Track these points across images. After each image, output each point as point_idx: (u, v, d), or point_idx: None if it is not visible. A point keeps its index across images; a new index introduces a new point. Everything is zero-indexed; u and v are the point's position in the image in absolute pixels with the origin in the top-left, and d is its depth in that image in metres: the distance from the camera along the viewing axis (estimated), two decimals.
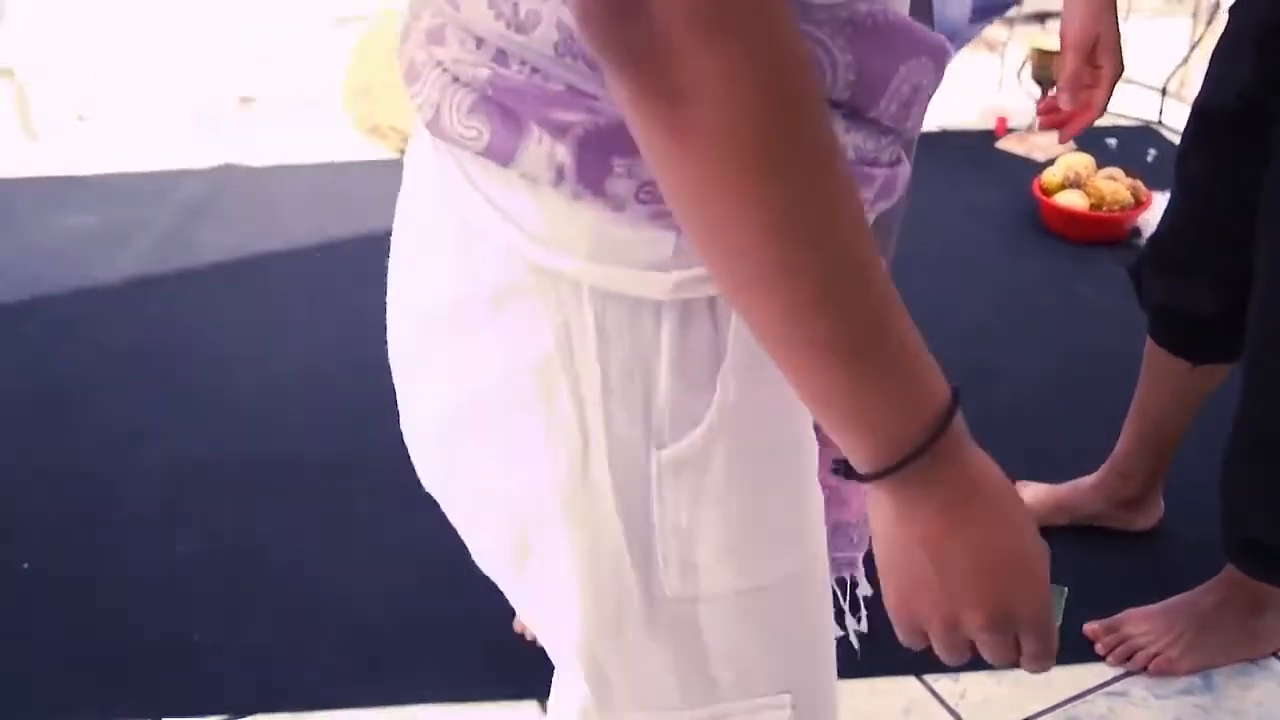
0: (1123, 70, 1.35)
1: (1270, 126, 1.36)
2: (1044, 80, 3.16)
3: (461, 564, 1.78)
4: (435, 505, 2.08)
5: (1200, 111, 1.50)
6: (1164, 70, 3.42)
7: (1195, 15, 4.52)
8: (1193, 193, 1.53)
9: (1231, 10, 1.46)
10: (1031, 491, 1.86)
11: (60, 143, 3.54)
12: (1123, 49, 1.35)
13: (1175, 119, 3.44)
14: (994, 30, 3.55)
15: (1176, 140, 3.28)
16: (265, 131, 3.54)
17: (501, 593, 1.79)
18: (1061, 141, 1.42)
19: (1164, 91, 3.46)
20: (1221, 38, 1.47)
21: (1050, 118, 1.40)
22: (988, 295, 2.57)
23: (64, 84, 3.62)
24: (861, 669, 1.62)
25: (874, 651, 1.65)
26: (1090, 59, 1.34)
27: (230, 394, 2.23)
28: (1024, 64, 3.22)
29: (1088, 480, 1.82)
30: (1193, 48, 3.61)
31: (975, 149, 3.31)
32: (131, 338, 2.42)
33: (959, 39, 3.44)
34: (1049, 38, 3.31)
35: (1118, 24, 1.34)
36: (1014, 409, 2.16)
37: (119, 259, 2.74)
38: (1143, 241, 2.70)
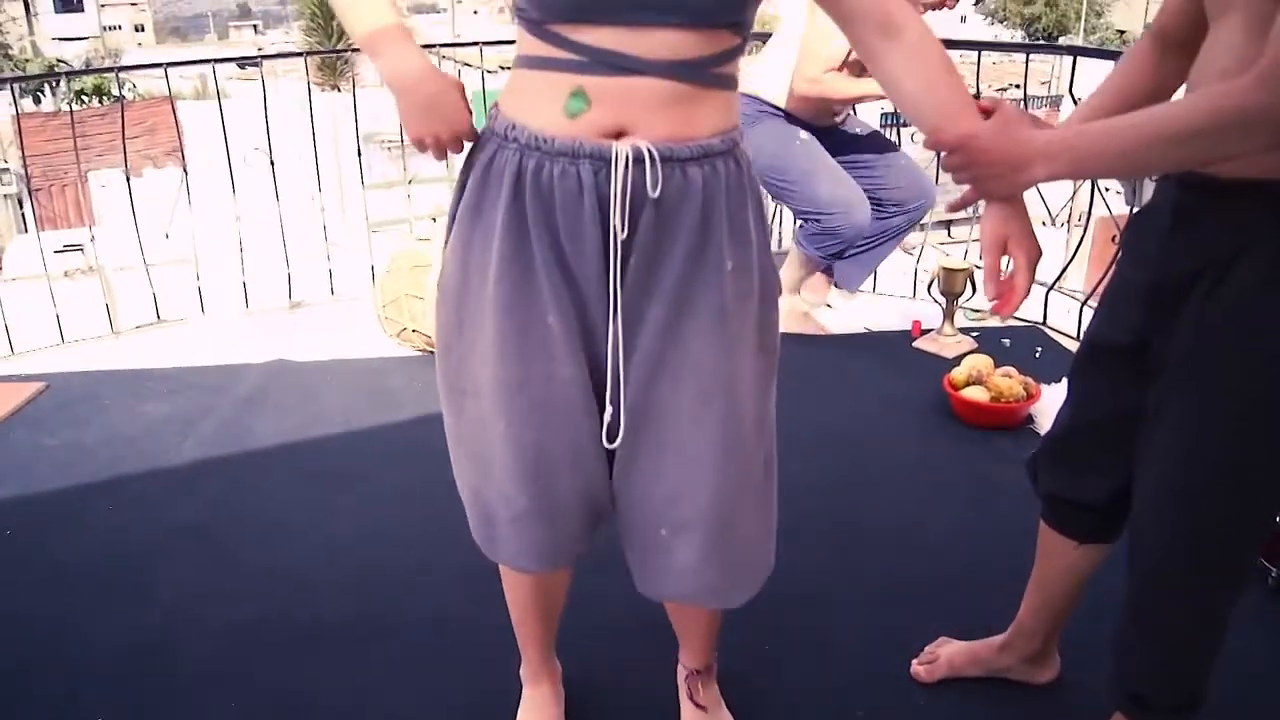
0: (1040, 254, 1.32)
1: (1149, 357, 1.40)
2: (949, 292, 3.25)
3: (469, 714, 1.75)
4: (448, 663, 2.03)
5: (1093, 340, 1.51)
6: (1048, 277, 3.51)
7: (1070, 230, 4.70)
8: (1084, 406, 1.55)
9: (1119, 260, 1.49)
10: (952, 648, 1.86)
11: (140, 339, 3.58)
12: (1035, 238, 1.33)
13: (1057, 319, 3.53)
14: (910, 237, 3.60)
15: (1059, 339, 3.38)
16: (311, 331, 3.59)
17: None
18: (997, 314, 1.41)
19: (1048, 295, 3.54)
20: (1114, 281, 1.49)
21: (993, 306, 1.41)
22: (906, 473, 2.58)
23: (143, 288, 3.68)
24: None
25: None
26: (1006, 252, 1.37)
27: (277, 563, 2.21)
28: (933, 279, 3.31)
29: (997, 639, 1.82)
30: (1071, 258, 3.71)
31: (894, 348, 3.35)
32: (194, 513, 2.41)
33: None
34: (953, 258, 3.41)
35: (1027, 221, 1.33)
36: (929, 572, 2.16)
37: (185, 443, 2.75)
38: (1035, 426, 2.75)
